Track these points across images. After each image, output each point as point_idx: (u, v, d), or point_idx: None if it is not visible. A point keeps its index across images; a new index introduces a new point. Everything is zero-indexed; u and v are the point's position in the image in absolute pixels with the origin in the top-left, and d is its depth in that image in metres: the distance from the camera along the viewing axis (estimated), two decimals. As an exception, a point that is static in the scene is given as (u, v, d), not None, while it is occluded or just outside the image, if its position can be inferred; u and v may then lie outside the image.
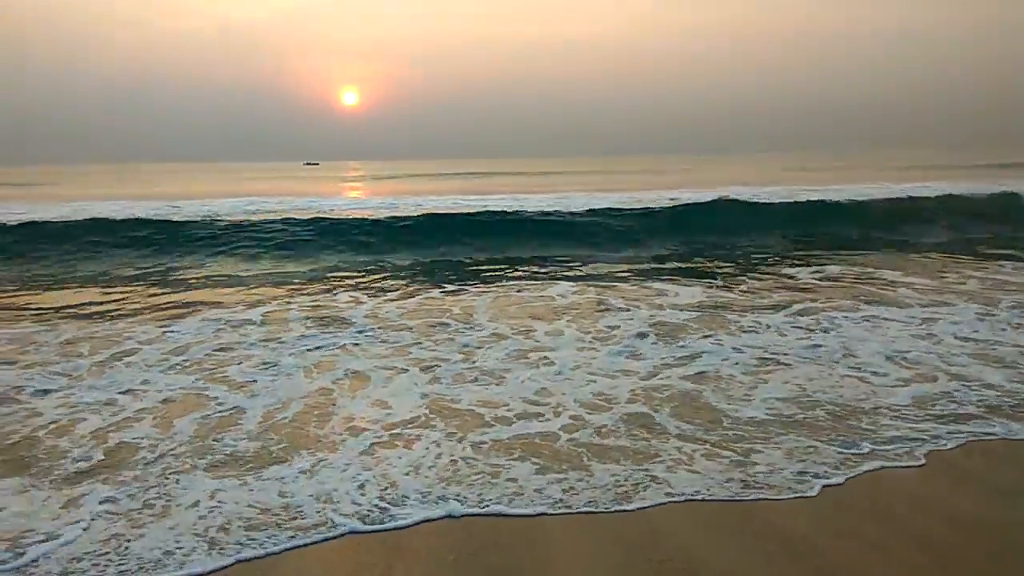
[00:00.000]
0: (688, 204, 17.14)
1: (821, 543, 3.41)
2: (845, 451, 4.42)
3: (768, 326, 7.50)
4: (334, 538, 3.50)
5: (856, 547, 3.37)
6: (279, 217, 15.56)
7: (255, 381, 5.90)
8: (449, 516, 3.68)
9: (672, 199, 18.77)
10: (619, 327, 7.53)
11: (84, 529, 3.58)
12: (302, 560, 3.33)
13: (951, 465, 4.26)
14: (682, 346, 6.74)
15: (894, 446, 4.48)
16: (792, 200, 17.72)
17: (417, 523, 3.62)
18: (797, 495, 3.90)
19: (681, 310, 8.37)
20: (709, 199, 17.38)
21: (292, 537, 3.49)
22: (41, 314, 8.61)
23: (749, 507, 3.79)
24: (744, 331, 7.30)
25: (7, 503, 3.87)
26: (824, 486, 3.98)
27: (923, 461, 4.31)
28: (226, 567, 3.27)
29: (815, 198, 18.09)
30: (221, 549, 3.40)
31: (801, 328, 7.38)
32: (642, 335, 7.20)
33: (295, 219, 15.23)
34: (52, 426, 4.95)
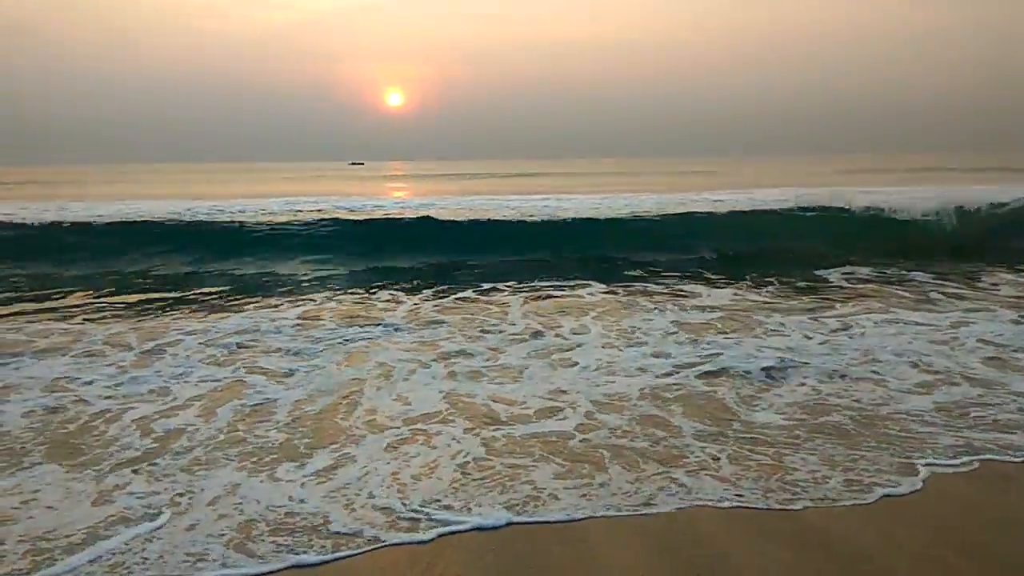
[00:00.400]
0: (745, 210, 16.61)
1: (876, 554, 3.35)
2: (892, 458, 4.32)
3: (794, 328, 7.56)
4: (360, 553, 3.42)
5: (914, 558, 3.31)
6: (322, 217, 15.85)
7: (291, 374, 6.15)
8: (478, 528, 3.63)
9: (717, 200, 18.58)
10: (645, 327, 7.66)
11: (113, 527, 3.64)
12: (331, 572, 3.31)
13: (1005, 476, 4.16)
14: (705, 347, 6.83)
15: (954, 457, 4.36)
16: (831, 205, 17.37)
17: (445, 535, 3.57)
18: (853, 503, 3.83)
19: (707, 311, 8.48)
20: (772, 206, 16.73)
21: (336, 549, 3.44)
22: (88, 309, 9.00)
23: (797, 515, 3.73)
24: (769, 333, 7.37)
25: (40, 496, 3.99)
26: (883, 495, 3.90)
27: (976, 467, 4.24)
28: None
29: (860, 202, 17.60)
30: (257, 557, 3.37)
31: (825, 332, 7.43)
32: (667, 335, 7.33)
33: (338, 219, 15.51)
34: (96, 414, 5.23)
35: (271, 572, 3.28)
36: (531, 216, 16.01)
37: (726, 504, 3.84)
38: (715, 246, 14.18)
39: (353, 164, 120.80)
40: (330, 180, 48.27)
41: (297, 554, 3.40)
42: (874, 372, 6.04)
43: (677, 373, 6.07)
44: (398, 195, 29.91)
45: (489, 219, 15.67)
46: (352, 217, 15.87)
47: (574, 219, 15.83)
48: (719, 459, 4.39)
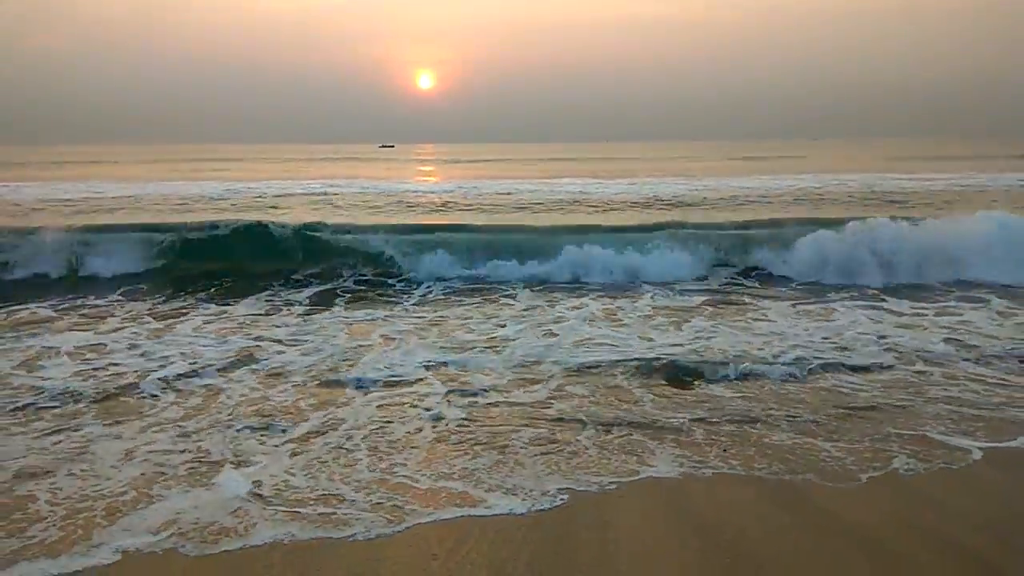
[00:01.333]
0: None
1: (874, 530, 3.38)
2: (892, 435, 4.41)
3: (780, 312, 7.94)
4: (392, 532, 3.40)
5: (925, 537, 3.32)
6: (346, 202, 15.77)
7: (301, 343, 6.68)
8: (504, 513, 3.58)
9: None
10: (635, 309, 8.12)
11: (153, 489, 3.78)
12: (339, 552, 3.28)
13: (1008, 457, 4.19)
14: (688, 328, 7.18)
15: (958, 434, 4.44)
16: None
17: (465, 511, 3.58)
18: (847, 482, 3.86)
19: (697, 294, 8.98)
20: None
21: (359, 527, 3.44)
22: (116, 290, 9.38)
23: (800, 487, 3.80)
24: (756, 319, 7.67)
25: (81, 456, 4.20)
26: (873, 474, 3.93)
27: (979, 456, 4.19)
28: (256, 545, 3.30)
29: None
30: (301, 519, 3.47)
31: (808, 316, 7.77)
32: (648, 317, 7.75)
33: (365, 203, 15.43)
34: (124, 377, 5.66)
35: (306, 540, 3.32)
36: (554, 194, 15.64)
37: (709, 472, 3.98)
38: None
39: (383, 147, 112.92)
40: (357, 164, 46.89)
41: (326, 529, 3.42)
42: (854, 354, 6.25)
43: (665, 352, 6.30)
44: (431, 180, 29.68)
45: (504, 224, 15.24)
46: (379, 202, 15.73)
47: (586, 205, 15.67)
48: (692, 432, 4.54)
